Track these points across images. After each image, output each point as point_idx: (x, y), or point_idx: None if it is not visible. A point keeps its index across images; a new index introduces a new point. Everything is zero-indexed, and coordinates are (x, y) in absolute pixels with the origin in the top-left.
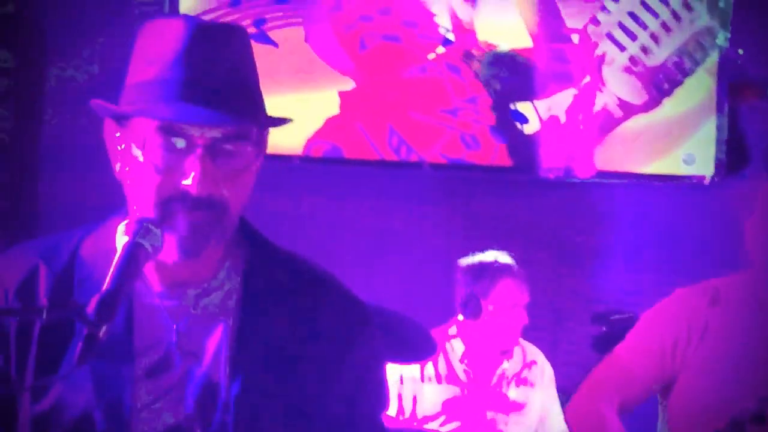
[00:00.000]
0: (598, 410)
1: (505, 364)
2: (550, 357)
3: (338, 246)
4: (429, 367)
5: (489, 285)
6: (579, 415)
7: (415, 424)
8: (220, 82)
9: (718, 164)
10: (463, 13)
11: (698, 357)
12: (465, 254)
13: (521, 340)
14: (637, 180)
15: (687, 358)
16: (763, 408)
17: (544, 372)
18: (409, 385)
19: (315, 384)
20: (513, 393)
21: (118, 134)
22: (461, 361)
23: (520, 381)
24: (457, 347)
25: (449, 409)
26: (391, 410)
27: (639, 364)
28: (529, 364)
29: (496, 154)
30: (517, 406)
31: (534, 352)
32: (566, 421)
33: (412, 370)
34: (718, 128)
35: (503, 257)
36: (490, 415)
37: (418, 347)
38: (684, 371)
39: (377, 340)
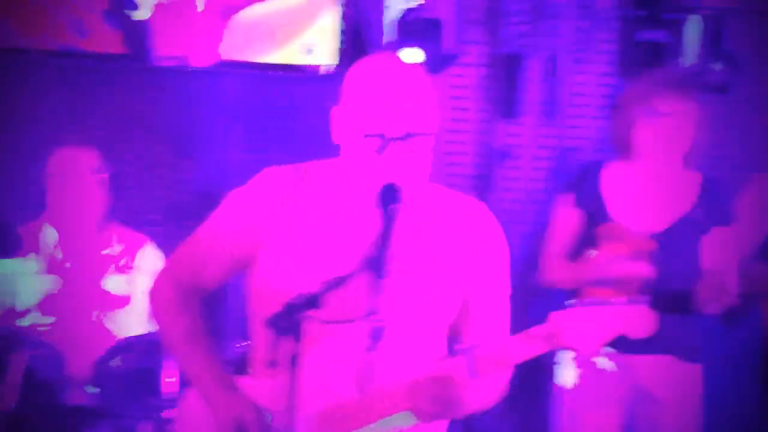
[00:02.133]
0: (173, 299)
1: (107, 250)
2: None
3: None
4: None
5: None
6: (158, 300)
7: None
8: None
9: (340, 54)
10: None
11: (279, 237)
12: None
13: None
14: (257, 69)
15: (268, 237)
16: (321, 292)
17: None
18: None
19: None
20: (114, 283)
21: None
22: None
23: (121, 269)
24: (50, 234)
25: (46, 304)
26: None
27: (221, 243)
28: (130, 250)
29: (109, 41)
30: (120, 301)
31: (138, 239)
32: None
33: None
34: (337, 17)
35: None
36: (93, 314)
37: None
38: (264, 251)
39: None
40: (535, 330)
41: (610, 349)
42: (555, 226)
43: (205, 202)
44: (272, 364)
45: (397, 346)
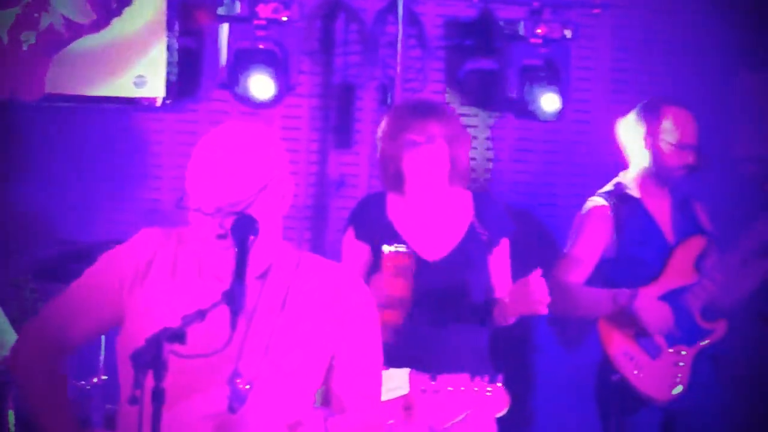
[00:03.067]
0: (35, 361)
1: None
2: None
3: None
4: None
5: None
6: (19, 353)
7: None
8: None
9: (169, 85)
10: None
11: (143, 292)
12: None
13: None
14: (87, 102)
15: (133, 291)
16: (182, 326)
17: None
18: None
19: None
20: None
21: None
22: None
23: None
24: None
25: None
26: None
27: (87, 299)
28: None
29: None
30: None
31: None
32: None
33: None
34: (169, 48)
35: None
36: None
37: None
38: (131, 304)
39: None
40: (394, 400)
41: None
42: (343, 260)
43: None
44: (133, 400)
45: (260, 406)
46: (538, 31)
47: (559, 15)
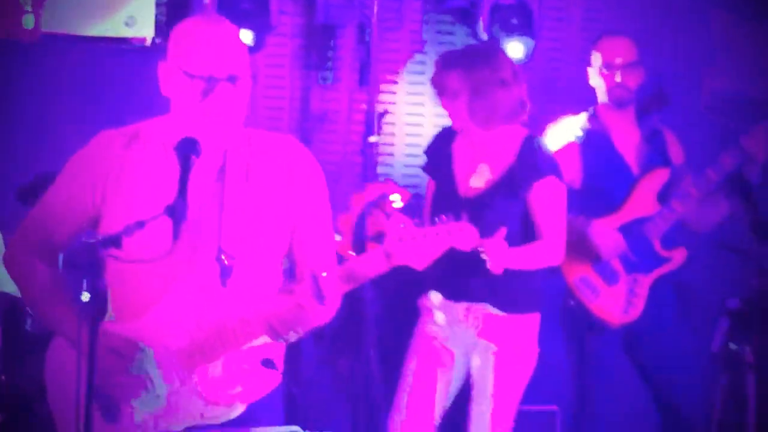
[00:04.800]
0: (28, 260)
1: None
2: None
3: None
4: None
5: None
6: (13, 264)
7: None
8: None
9: (158, 26)
10: None
11: (116, 194)
12: None
13: None
14: (80, 42)
15: (106, 195)
16: (119, 234)
17: None
18: None
19: None
20: None
21: None
22: None
23: None
24: None
25: None
26: None
27: (65, 206)
28: None
29: None
30: None
31: None
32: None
33: None
34: None
35: None
36: None
37: None
38: (105, 207)
39: None
40: (372, 251)
41: (440, 300)
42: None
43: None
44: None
45: (241, 280)
46: None
47: None
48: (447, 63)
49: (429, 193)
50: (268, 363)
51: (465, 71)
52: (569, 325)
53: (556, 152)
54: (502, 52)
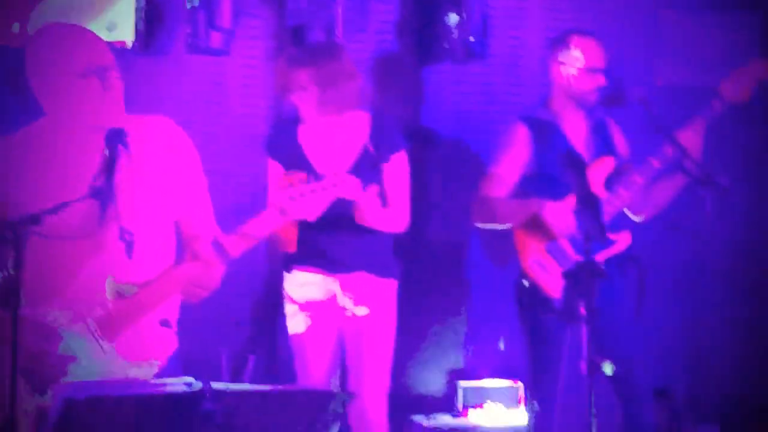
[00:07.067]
0: None
1: None
2: None
3: None
4: None
5: None
6: None
7: None
8: None
9: (138, 32)
10: None
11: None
12: None
13: None
14: None
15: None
16: (41, 212)
17: None
18: None
19: None
20: None
21: None
22: None
23: None
24: None
25: None
26: None
27: None
28: None
29: None
30: None
31: None
32: None
33: None
34: None
35: None
36: None
37: None
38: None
39: None
40: (268, 210)
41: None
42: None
43: None
44: None
45: (143, 251)
46: None
47: None
48: (294, 61)
49: (272, 177)
50: (165, 323)
51: (314, 67)
52: (523, 304)
53: (508, 136)
54: (344, 47)
